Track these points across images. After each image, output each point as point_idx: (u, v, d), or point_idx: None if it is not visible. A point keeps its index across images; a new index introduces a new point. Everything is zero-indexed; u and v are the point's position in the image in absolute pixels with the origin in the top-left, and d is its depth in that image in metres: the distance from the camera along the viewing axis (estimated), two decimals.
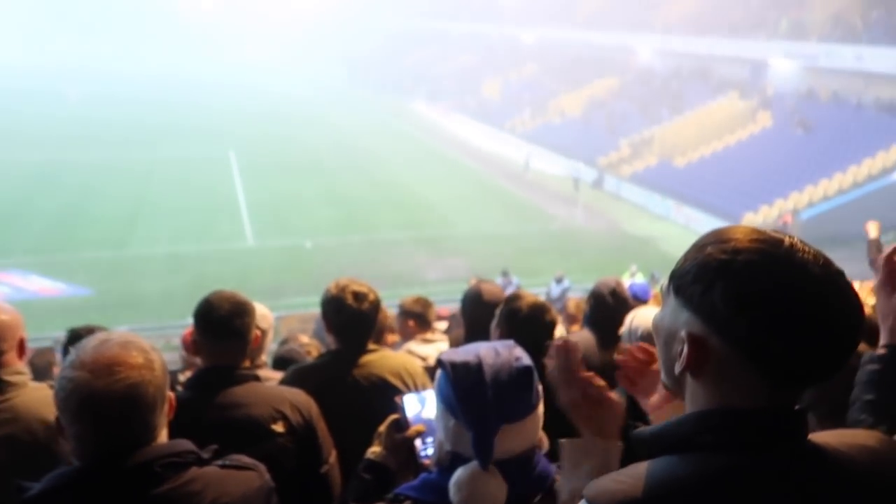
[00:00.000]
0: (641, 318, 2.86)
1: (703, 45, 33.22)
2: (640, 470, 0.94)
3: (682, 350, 0.96)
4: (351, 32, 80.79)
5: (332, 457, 2.27)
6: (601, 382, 1.29)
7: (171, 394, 1.45)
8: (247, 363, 2.38)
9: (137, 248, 19.93)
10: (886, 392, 1.35)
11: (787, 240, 0.94)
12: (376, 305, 2.63)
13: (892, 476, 0.96)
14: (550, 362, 1.35)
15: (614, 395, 2.64)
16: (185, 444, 1.44)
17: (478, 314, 3.20)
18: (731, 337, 0.92)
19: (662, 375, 1.07)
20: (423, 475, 1.47)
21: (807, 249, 0.93)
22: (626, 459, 1.04)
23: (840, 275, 0.93)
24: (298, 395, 2.26)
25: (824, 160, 24.11)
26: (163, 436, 1.43)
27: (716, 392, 0.96)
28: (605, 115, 34.16)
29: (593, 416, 1.25)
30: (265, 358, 3.54)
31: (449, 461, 1.40)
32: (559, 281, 15.72)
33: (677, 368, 0.98)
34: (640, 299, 4.98)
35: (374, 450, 1.73)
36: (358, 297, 2.57)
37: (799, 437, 0.96)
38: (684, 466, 0.93)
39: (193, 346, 2.33)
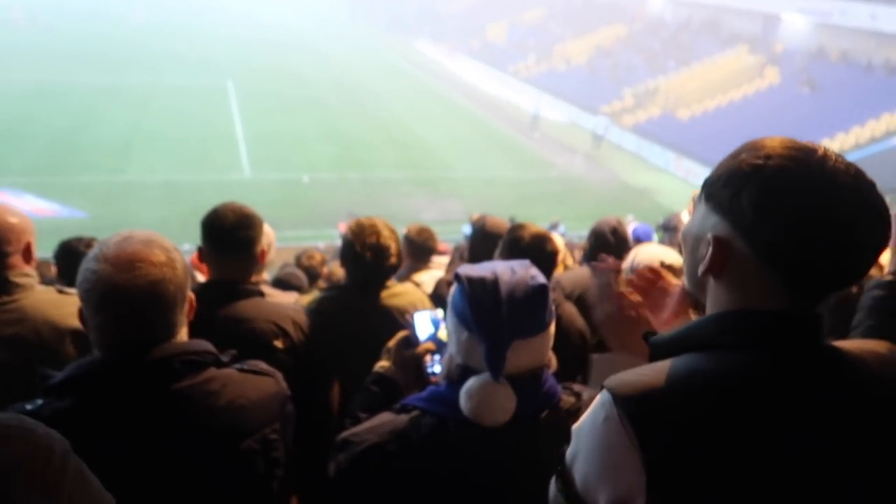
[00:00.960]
0: (644, 254, 2.91)
1: None
2: (662, 365, 0.97)
3: (707, 252, 0.99)
4: None
5: (332, 377, 2.29)
6: (637, 299, 1.31)
7: (191, 295, 1.46)
8: (253, 278, 2.36)
9: (133, 174, 19.71)
10: (887, 318, 1.38)
11: (820, 149, 0.94)
12: (396, 266, 2.52)
13: None
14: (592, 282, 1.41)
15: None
16: (205, 345, 1.46)
17: (481, 244, 3.27)
18: (756, 240, 0.94)
19: (686, 281, 1.09)
20: (430, 387, 1.49)
21: (839, 159, 0.93)
22: None
23: (871, 187, 0.93)
24: (300, 314, 2.26)
25: (828, 120, 23.90)
26: (183, 334, 1.45)
27: (737, 294, 0.98)
28: (611, 64, 33.62)
29: (625, 333, 1.29)
30: (266, 276, 3.51)
31: (458, 374, 1.42)
32: (555, 227, 15.70)
33: (700, 269, 1.00)
34: (644, 241, 4.91)
35: (383, 364, 1.75)
36: (380, 255, 2.44)
37: (816, 340, 0.98)
38: (705, 362, 0.95)
39: (199, 255, 2.28)
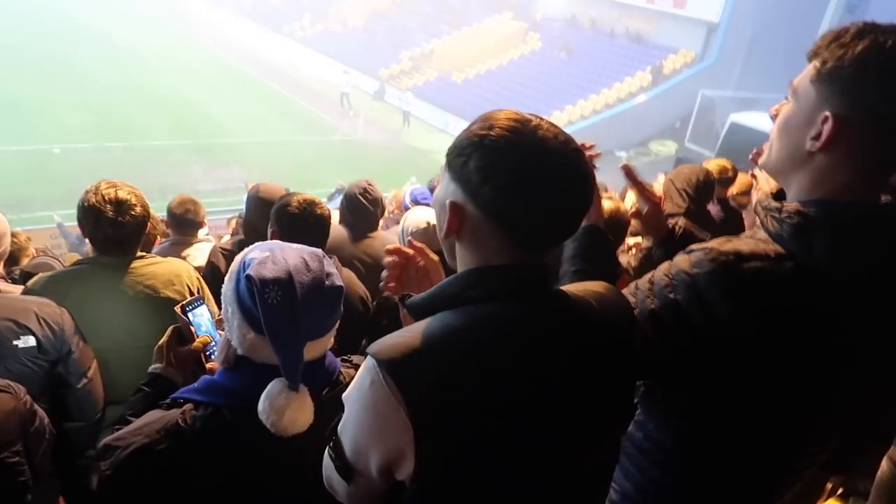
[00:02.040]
0: (411, 218, 3.02)
1: None
2: (418, 326, 1.04)
3: (445, 217, 1.09)
4: None
5: (92, 370, 2.07)
6: (434, 257, 1.44)
7: None
8: None
9: None
10: (587, 263, 1.60)
11: (535, 120, 1.06)
12: (142, 217, 2.31)
13: (611, 312, 1.16)
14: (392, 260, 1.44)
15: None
16: None
17: (255, 214, 3.19)
18: (481, 202, 1.04)
19: (442, 246, 1.17)
20: (203, 377, 1.41)
21: (550, 129, 1.05)
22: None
23: (576, 152, 1.06)
24: (46, 306, 2.02)
25: (583, 83, 26.30)
26: None
27: (476, 253, 1.09)
28: (387, 27, 33.80)
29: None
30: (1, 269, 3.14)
31: (236, 362, 1.37)
32: (340, 191, 15.62)
33: (441, 233, 1.12)
34: (421, 203, 4.99)
35: (156, 365, 1.62)
36: (121, 207, 2.23)
37: (546, 286, 1.12)
38: (456, 317, 1.04)
39: None
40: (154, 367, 1.62)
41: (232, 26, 39.01)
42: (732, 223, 4.15)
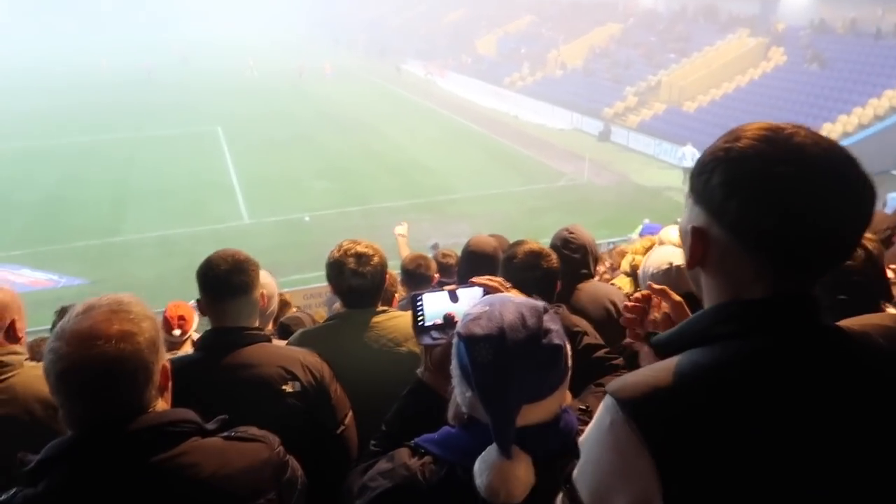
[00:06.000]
0: (652, 258, 2.83)
1: None
2: (662, 364, 0.95)
3: (688, 245, 0.98)
4: None
5: (348, 418, 2.20)
6: (676, 298, 1.36)
7: (165, 363, 1.41)
8: (257, 324, 2.31)
9: (128, 233, 19.08)
10: (849, 291, 1.54)
11: (790, 128, 0.91)
12: (380, 267, 2.50)
13: None
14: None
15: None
16: (184, 414, 1.40)
17: (467, 267, 3.27)
18: (726, 221, 0.92)
19: (689, 280, 1.06)
20: (444, 428, 1.41)
21: (810, 135, 0.90)
22: None
23: (846, 159, 0.89)
24: (310, 356, 2.21)
25: (842, 95, 23.00)
26: (159, 405, 1.39)
27: (725, 284, 0.97)
28: (608, 64, 32.81)
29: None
30: (271, 327, 3.45)
31: (466, 421, 1.36)
32: None
33: (686, 263, 1.01)
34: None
35: (420, 369, 1.70)
36: (361, 259, 2.46)
37: (811, 322, 0.95)
38: (705, 355, 0.94)
39: (199, 306, 2.26)
40: (419, 370, 1.70)
41: (452, 83, 40.76)
42: None
